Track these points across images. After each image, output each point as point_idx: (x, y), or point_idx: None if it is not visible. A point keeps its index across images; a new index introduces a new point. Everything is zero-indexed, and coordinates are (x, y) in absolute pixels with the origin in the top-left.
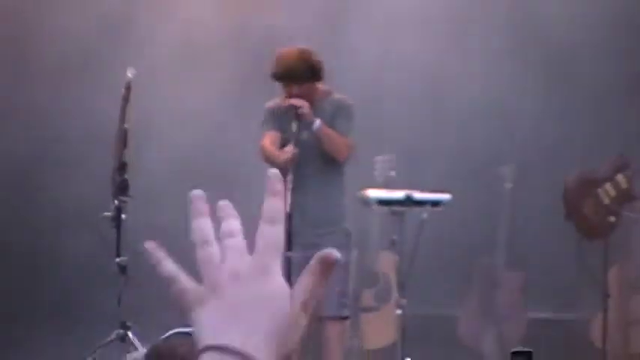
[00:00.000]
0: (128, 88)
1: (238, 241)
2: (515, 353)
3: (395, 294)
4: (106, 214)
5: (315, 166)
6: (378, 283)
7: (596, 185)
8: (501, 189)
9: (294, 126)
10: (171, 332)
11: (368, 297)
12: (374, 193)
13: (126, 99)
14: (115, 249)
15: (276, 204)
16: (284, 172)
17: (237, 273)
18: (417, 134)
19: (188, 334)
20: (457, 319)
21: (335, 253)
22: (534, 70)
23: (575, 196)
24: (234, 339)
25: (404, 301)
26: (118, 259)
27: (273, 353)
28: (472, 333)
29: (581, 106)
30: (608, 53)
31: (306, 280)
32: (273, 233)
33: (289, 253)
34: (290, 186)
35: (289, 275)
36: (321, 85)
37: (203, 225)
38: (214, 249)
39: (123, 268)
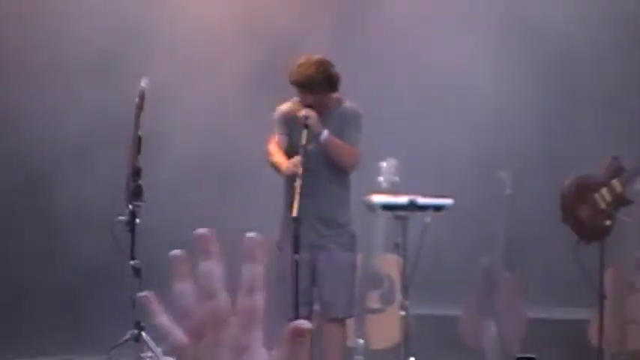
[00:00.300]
0: (142, 97)
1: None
2: (519, 359)
3: (399, 296)
4: (121, 218)
5: (322, 174)
6: (382, 285)
7: (593, 190)
8: (501, 194)
9: (303, 136)
10: None
11: (373, 299)
12: (378, 198)
13: (140, 107)
14: (130, 252)
15: (254, 271)
16: (292, 177)
17: (219, 347)
18: (420, 140)
19: None
20: (459, 320)
21: (306, 324)
22: (535, 76)
23: (572, 200)
24: None
25: (407, 303)
26: (132, 262)
27: None
28: (473, 333)
29: (576, 114)
30: (608, 55)
31: (280, 352)
32: (251, 304)
33: (297, 256)
34: (299, 190)
35: (297, 277)
36: (333, 94)
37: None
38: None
39: (137, 271)
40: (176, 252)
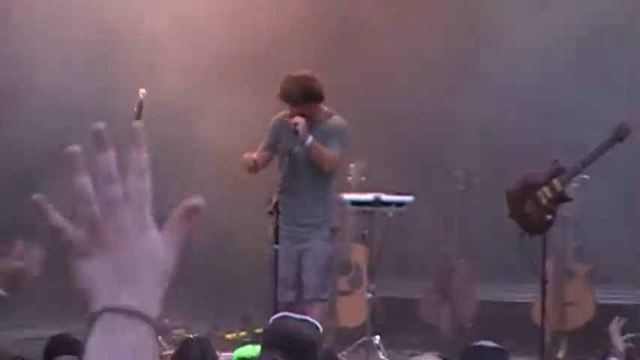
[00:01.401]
0: (140, 106)
1: (117, 191)
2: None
3: (365, 280)
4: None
5: (306, 175)
6: (351, 271)
7: (536, 188)
8: (455, 191)
9: (290, 140)
10: (276, 316)
11: (343, 283)
12: (348, 196)
13: (138, 116)
14: None
15: (141, 156)
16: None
17: (120, 229)
18: (386, 143)
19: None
20: (418, 301)
21: (196, 200)
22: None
23: (518, 197)
24: (129, 300)
25: (373, 287)
26: None
27: (158, 302)
28: (431, 312)
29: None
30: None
31: (172, 223)
32: (142, 185)
33: (276, 246)
34: (278, 189)
35: (276, 265)
36: (324, 107)
37: (83, 186)
38: (94, 209)
39: None
40: (72, 148)
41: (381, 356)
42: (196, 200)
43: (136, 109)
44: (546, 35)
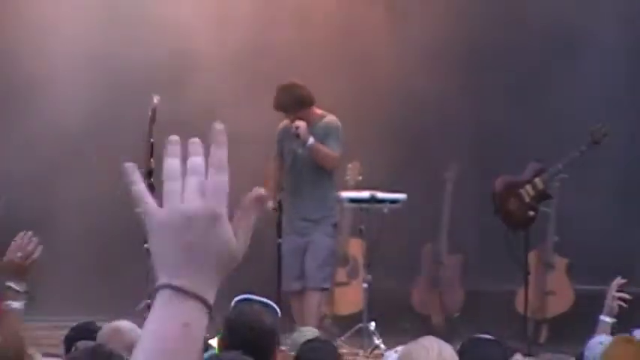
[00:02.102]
0: (154, 111)
1: (196, 181)
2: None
3: (362, 272)
4: (138, 209)
5: (309, 173)
6: (348, 263)
7: (519, 187)
8: (444, 190)
9: (294, 143)
10: (238, 299)
11: (341, 274)
12: (345, 194)
13: (152, 120)
14: (144, 237)
15: (222, 154)
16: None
17: (190, 216)
18: (381, 145)
19: (254, 300)
20: (411, 291)
21: (260, 190)
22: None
23: (502, 195)
24: (185, 280)
25: (369, 277)
26: (145, 245)
27: (215, 287)
28: (422, 302)
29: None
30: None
31: (242, 212)
32: (221, 181)
33: (280, 240)
34: (282, 187)
35: (279, 257)
36: (316, 109)
37: (172, 164)
38: (178, 186)
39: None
40: (174, 137)
41: (376, 341)
42: (262, 190)
43: (150, 112)
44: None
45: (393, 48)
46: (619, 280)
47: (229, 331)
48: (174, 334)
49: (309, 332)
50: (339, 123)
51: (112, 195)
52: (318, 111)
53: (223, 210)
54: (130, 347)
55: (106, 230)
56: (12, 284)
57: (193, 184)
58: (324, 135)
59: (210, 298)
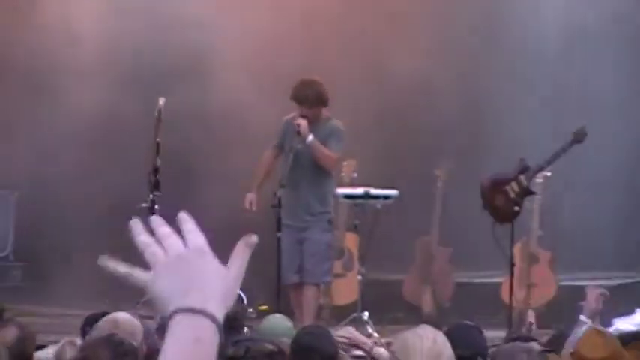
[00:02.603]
0: (159, 112)
1: (175, 239)
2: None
3: (357, 264)
4: (144, 205)
5: (307, 169)
6: (344, 256)
7: (504, 184)
8: (436, 186)
9: (294, 140)
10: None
11: (337, 266)
12: (341, 190)
13: (159, 120)
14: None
15: (191, 226)
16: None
17: (184, 254)
18: (375, 144)
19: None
20: (403, 283)
21: (253, 237)
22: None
23: (489, 192)
24: (195, 301)
25: (363, 270)
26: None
27: (221, 309)
28: (414, 292)
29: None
30: None
31: (235, 253)
32: (198, 236)
33: (279, 234)
34: (281, 184)
35: (279, 251)
36: (325, 111)
37: (143, 239)
38: (157, 248)
39: None
40: (134, 220)
41: (370, 330)
42: (253, 238)
43: (156, 113)
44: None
45: (397, 51)
46: (599, 290)
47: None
48: (187, 350)
49: (279, 319)
50: (343, 127)
51: (122, 188)
52: (327, 113)
53: (207, 248)
54: (129, 337)
55: (118, 222)
56: None
57: (173, 241)
58: (328, 135)
59: (218, 317)
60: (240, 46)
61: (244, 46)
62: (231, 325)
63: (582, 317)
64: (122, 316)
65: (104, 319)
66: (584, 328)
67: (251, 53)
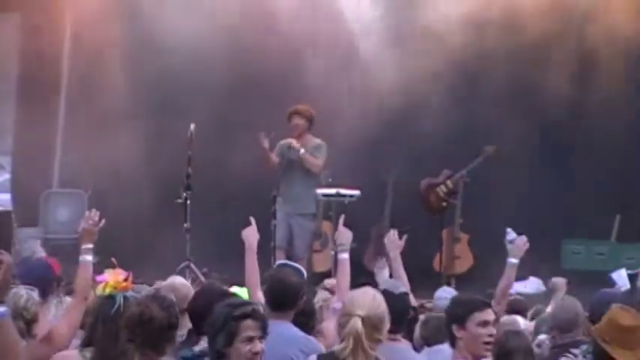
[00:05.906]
0: (191, 135)
1: None
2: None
3: (330, 243)
4: (179, 200)
5: (298, 173)
6: (321, 237)
7: (436, 186)
8: (387, 184)
9: (289, 152)
10: (279, 263)
11: (316, 245)
12: (320, 190)
13: (190, 141)
14: (184, 219)
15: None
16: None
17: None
18: (344, 155)
19: (292, 266)
20: (363, 256)
21: (6, 257)
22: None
23: (425, 191)
24: None
25: (335, 247)
26: (185, 225)
27: None
28: (371, 263)
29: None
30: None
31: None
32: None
33: (274, 221)
34: (278, 184)
35: (274, 235)
36: (309, 133)
37: None
38: None
39: (187, 230)
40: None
41: None
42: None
43: (188, 136)
44: None
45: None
46: (525, 239)
47: (268, 284)
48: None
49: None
50: (324, 144)
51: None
52: (310, 134)
53: None
54: (184, 299)
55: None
56: (86, 245)
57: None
58: (315, 149)
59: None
60: None
61: None
62: (295, 292)
63: (509, 259)
64: (179, 280)
65: (164, 283)
66: (511, 267)
67: None
